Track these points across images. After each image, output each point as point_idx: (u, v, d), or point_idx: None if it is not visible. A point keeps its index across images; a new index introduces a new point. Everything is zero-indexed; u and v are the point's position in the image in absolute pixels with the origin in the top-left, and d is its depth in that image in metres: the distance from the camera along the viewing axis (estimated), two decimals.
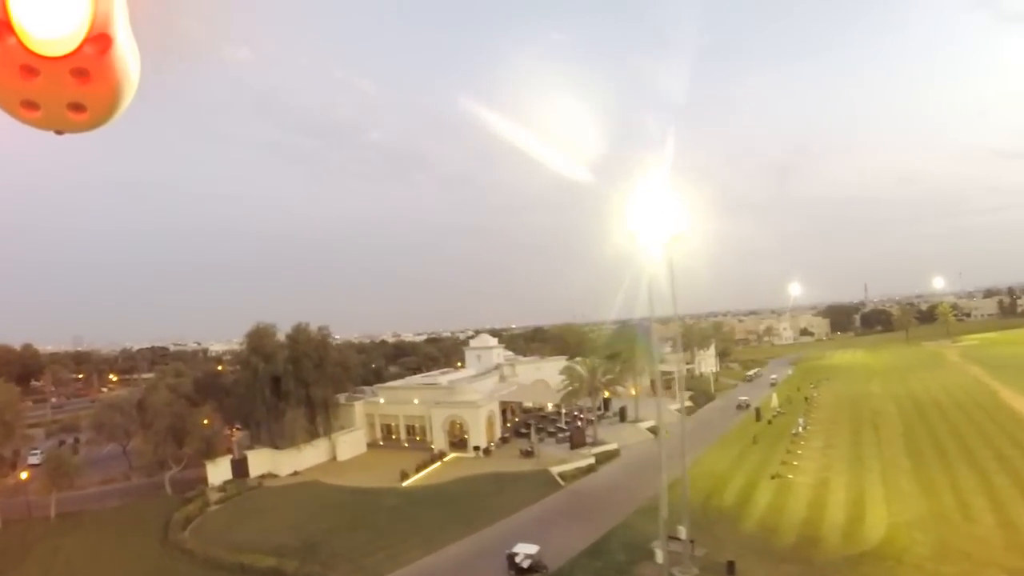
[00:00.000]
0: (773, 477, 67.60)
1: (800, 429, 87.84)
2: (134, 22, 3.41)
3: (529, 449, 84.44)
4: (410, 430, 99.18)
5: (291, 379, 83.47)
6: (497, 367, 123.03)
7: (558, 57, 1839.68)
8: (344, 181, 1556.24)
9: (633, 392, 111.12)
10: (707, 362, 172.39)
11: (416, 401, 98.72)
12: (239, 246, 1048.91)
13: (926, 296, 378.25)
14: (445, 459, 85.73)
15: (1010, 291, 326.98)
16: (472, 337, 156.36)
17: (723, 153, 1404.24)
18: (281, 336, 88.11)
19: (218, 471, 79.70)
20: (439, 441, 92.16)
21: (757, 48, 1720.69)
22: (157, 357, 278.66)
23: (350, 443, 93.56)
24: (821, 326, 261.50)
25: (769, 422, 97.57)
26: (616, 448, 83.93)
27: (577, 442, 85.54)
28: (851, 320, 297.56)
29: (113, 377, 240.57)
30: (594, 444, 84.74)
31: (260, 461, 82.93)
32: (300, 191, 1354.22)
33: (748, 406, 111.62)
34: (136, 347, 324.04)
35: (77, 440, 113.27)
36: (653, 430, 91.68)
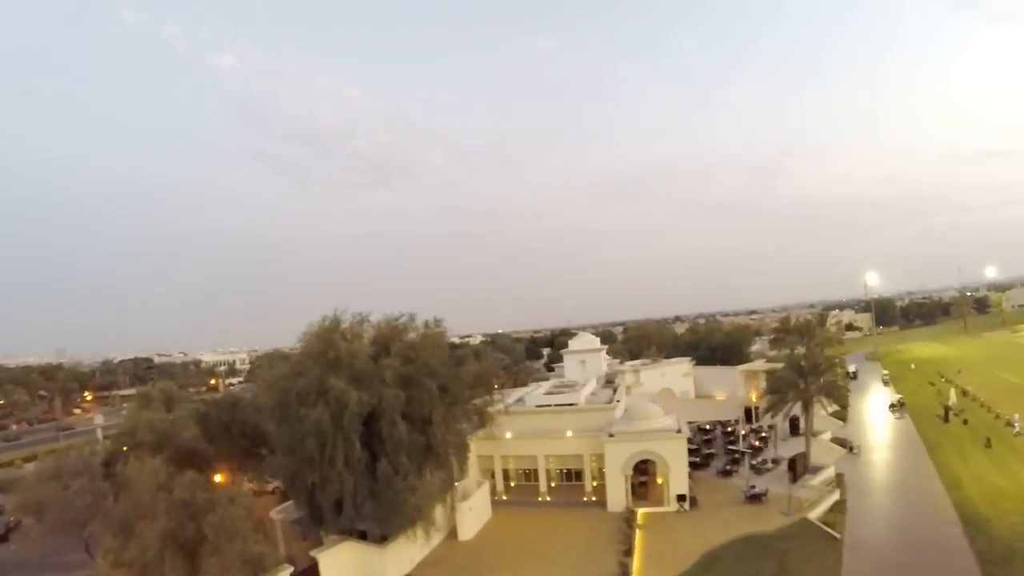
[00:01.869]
0: None
1: (1017, 427, 73.96)
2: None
3: (756, 490, 56.55)
4: (555, 475, 63.18)
5: (397, 415, 41.81)
6: (614, 376, 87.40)
7: (543, 64, 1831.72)
8: (330, 189, 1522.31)
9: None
10: None
11: (569, 433, 60.77)
12: (226, 254, 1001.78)
13: (926, 291, 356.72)
14: (640, 524, 51.86)
15: None
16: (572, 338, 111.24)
17: (709, 156, 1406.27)
18: (365, 338, 46.91)
19: None
20: (615, 492, 55.90)
21: (741, 51, 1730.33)
22: (140, 370, 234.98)
23: (475, 509, 53.80)
24: (865, 321, 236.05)
25: (965, 422, 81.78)
26: (838, 474, 61.76)
27: (799, 471, 59.94)
28: (891, 315, 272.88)
29: (88, 395, 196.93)
30: (807, 472, 60.46)
31: (342, 566, 43.00)
32: (286, 199, 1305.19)
33: (903, 405, 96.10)
34: (119, 358, 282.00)
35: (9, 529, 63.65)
36: (839, 442, 74.45)
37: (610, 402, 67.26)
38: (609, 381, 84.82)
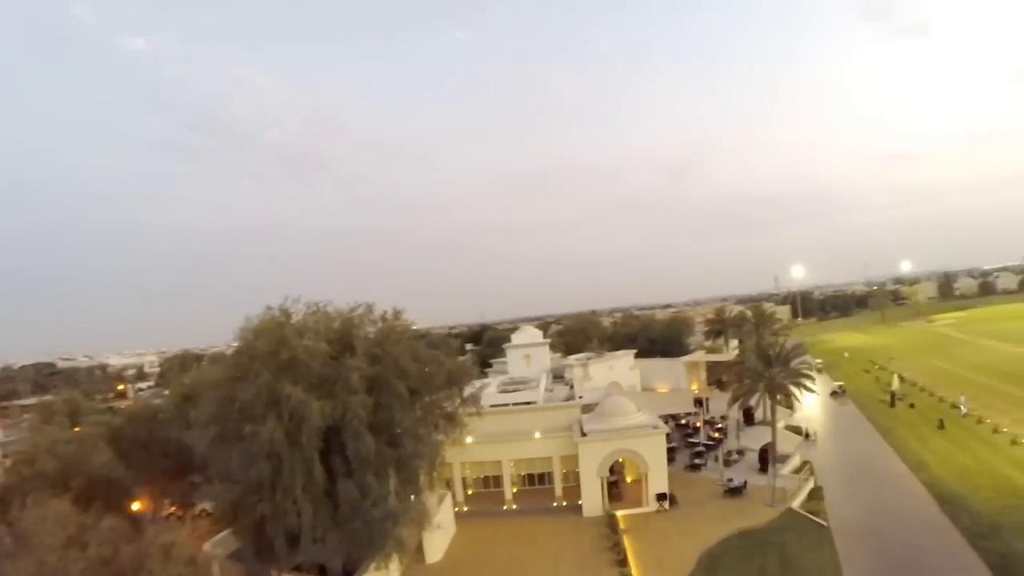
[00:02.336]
0: None
1: (965, 408, 75.81)
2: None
3: (735, 483, 54.36)
4: (517, 480, 58.13)
5: (363, 427, 34.18)
6: (561, 370, 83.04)
7: (460, 57, 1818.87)
8: (241, 182, 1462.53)
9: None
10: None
11: (538, 435, 55.66)
12: (131, 248, 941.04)
13: (833, 286, 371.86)
14: (624, 528, 47.68)
15: (946, 275, 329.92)
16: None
17: (623, 154, 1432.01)
18: (322, 334, 37.77)
19: None
20: (591, 495, 51.39)
21: (657, 52, 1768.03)
22: (42, 377, 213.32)
23: (442, 526, 46.87)
24: (784, 313, 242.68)
25: (912, 406, 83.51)
26: (804, 461, 60.55)
27: (769, 461, 57.94)
28: (809, 307, 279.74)
29: None
30: (776, 461, 57.67)
31: None
32: (196, 191, 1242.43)
33: (844, 392, 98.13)
34: (18, 364, 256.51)
35: None
36: (795, 430, 73.15)
37: (570, 398, 63.15)
38: (558, 376, 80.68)
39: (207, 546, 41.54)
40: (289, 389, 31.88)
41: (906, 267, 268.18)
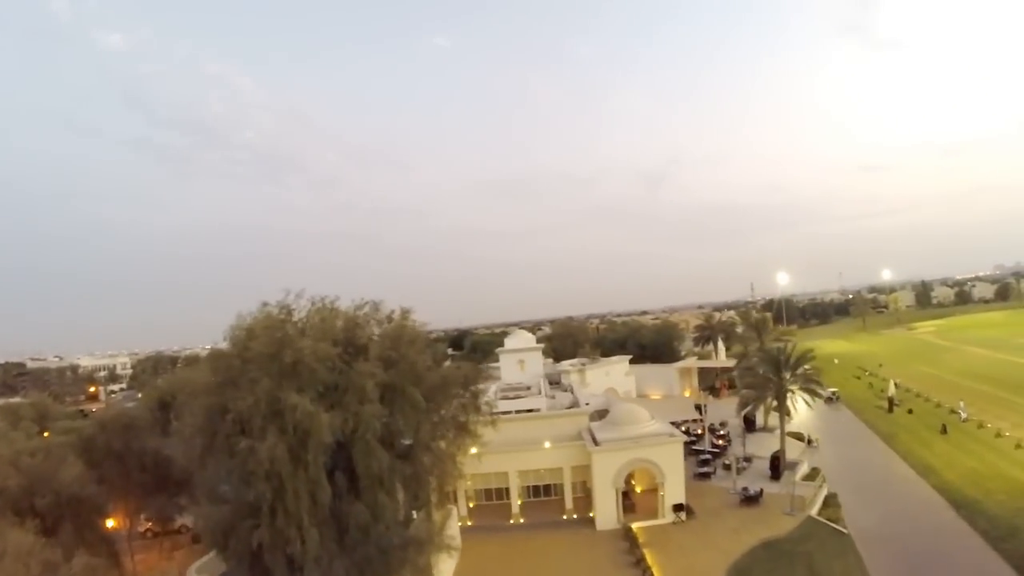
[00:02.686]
0: None
1: (964, 414, 75.96)
2: None
3: (750, 492, 52.41)
4: (522, 492, 54.67)
5: (374, 442, 30.01)
6: (557, 376, 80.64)
7: (438, 62, 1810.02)
8: (215, 182, 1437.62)
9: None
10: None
11: (548, 444, 52.61)
12: (102, 247, 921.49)
13: (808, 294, 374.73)
14: (644, 543, 44.55)
15: (923, 283, 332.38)
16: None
17: (598, 161, 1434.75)
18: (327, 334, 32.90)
19: None
20: (606, 507, 48.54)
21: (635, 61, 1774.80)
22: (10, 377, 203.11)
23: (451, 546, 42.79)
24: (765, 320, 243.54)
25: (910, 411, 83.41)
26: (815, 468, 58.20)
27: (778, 469, 57.60)
28: (789, 314, 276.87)
29: None
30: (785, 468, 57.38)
31: None
32: (169, 190, 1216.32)
33: (838, 398, 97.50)
34: None
35: None
36: (797, 436, 70.46)
37: (573, 405, 60.75)
38: (554, 382, 78.23)
39: (191, 572, 36.86)
40: (295, 399, 27.60)
41: (886, 275, 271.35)
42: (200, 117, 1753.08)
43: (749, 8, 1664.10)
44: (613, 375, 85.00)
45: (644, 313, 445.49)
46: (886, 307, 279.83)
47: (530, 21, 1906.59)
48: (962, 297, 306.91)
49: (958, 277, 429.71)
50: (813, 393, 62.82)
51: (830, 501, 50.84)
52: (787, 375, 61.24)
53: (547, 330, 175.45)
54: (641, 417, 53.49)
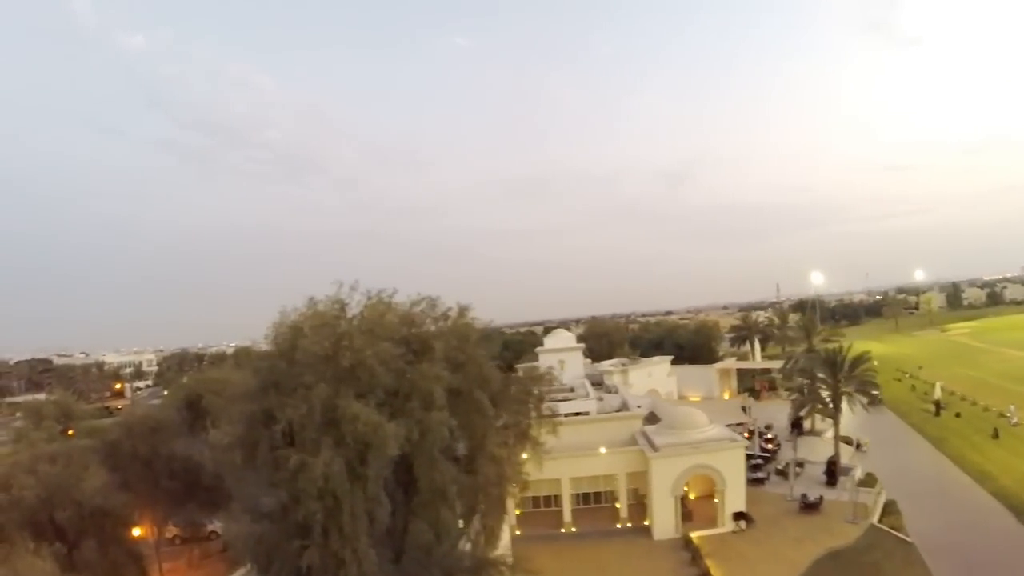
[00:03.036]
0: None
1: (1015, 418, 72.93)
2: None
3: (810, 499, 50.16)
4: (572, 499, 51.18)
5: (438, 453, 26.62)
6: (599, 377, 77.91)
7: (459, 62, 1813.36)
8: (238, 181, 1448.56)
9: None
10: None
11: (603, 449, 49.35)
12: (128, 246, 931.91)
13: (832, 295, 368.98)
14: (707, 554, 42.30)
15: (954, 285, 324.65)
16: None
17: (620, 160, 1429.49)
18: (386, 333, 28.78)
19: None
20: (664, 516, 45.68)
21: (656, 59, 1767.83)
22: (36, 374, 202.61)
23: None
24: (795, 321, 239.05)
25: (958, 415, 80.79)
26: (869, 474, 55.90)
27: (833, 474, 55.71)
28: (818, 314, 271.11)
29: None
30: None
31: None
32: (192, 190, 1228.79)
33: (880, 400, 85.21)
34: (14, 359, 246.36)
35: None
36: (845, 440, 66.39)
37: (623, 408, 57.92)
38: (595, 383, 75.49)
39: None
40: (356, 407, 23.96)
41: (918, 276, 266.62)
42: (222, 117, 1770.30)
43: (772, 6, 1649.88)
44: (655, 376, 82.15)
45: (669, 313, 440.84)
46: (916, 308, 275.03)
47: (550, 20, 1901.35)
48: (993, 299, 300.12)
49: (986, 278, 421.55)
50: (870, 396, 60.33)
51: (889, 508, 48.48)
52: (842, 377, 58.87)
53: (577, 329, 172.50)
54: (700, 421, 50.62)
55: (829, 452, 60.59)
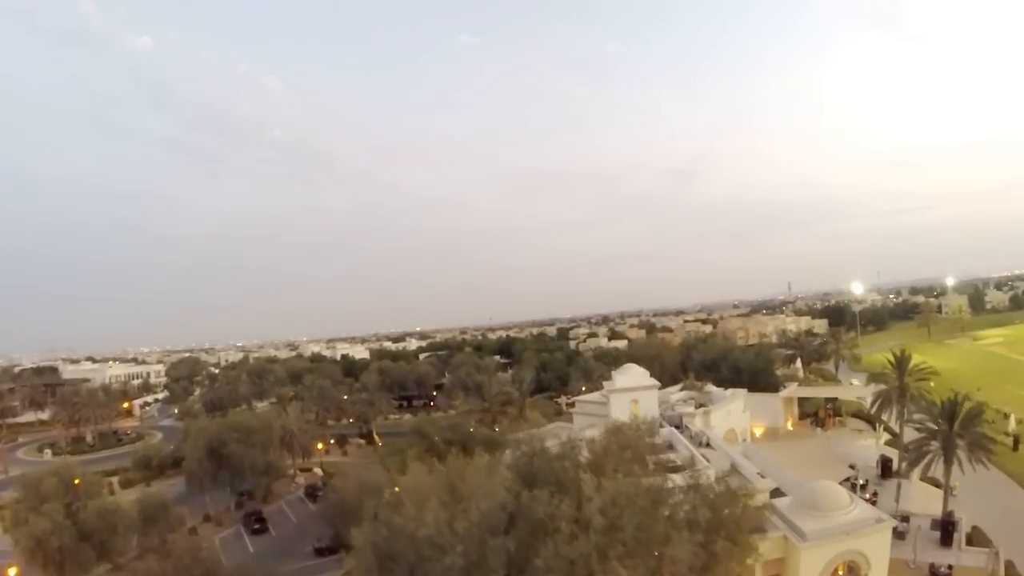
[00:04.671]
0: None
1: None
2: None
3: (940, 569, 44.36)
4: None
5: None
6: (677, 419, 70.32)
7: (467, 60, 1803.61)
8: (245, 181, 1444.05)
9: None
10: None
11: None
12: (133, 247, 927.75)
13: (840, 292, 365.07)
14: None
15: (976, 287, 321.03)
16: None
17: (627, 158, 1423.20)
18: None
19: None
20: None
21: (663, 56, 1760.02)
22: (38, 393, 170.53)
23: None
24: (820, 327, 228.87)
25: None
26: (976, 527, 50.80)
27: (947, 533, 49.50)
28: (843, 319, 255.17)
29: None
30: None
31: None
32: (198, 190, 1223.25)
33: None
34: (22, 362, 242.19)
35: None
36: (931, 482, 60.51)
37: (733, 472, 50.15)
38: (673, 424, 67.77)
39: None
40: None
41: (932, 275, 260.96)
42: (229, 117, 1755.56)
43: (778, 4, 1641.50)
44: (733, 414, 74.73)
45: (680, 312, 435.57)
46: (939, 310, 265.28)
47: (557, 18, 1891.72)
48: (1016, 302, 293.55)
49: (997, 276, 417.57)
50: (986, 453, 53.44)
51: (1010, 571, 44.21)
52: (956, 433, 53.28)
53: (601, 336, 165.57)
54: (843, 499, 43.14)
55: (924, 499, 55.80)
